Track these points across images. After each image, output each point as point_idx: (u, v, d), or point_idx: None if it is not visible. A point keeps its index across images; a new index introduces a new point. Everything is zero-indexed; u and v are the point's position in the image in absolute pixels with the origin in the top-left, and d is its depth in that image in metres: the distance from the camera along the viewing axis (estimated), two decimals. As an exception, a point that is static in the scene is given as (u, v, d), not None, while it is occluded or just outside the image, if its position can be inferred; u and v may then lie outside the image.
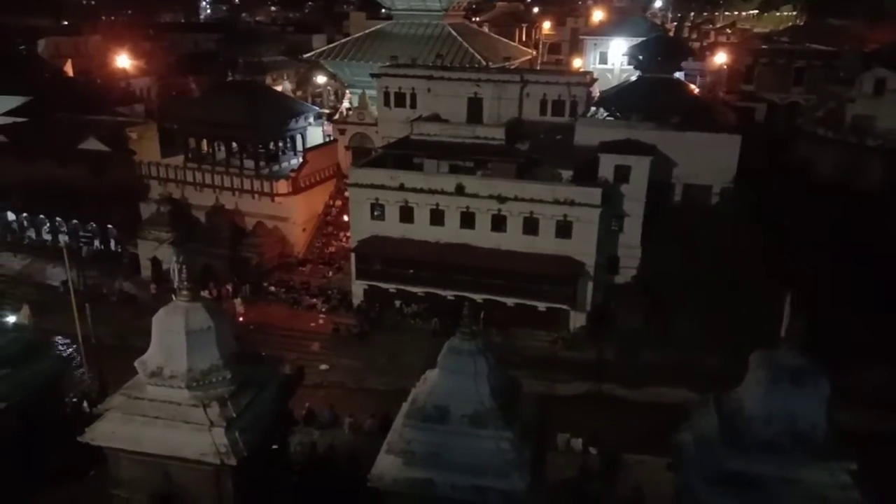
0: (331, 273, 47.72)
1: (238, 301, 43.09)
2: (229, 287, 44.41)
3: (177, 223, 46.49)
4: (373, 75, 52.64)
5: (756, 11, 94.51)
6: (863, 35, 66.00)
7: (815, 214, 36.41)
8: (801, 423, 13.29)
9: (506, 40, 71.35)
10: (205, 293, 39.16)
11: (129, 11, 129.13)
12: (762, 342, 14.20)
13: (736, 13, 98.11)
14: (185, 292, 15.25)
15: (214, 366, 15.09)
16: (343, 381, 37.30)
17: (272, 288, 45.93)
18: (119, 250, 50.17)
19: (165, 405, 14.88)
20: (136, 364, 15.29)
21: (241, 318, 41.23)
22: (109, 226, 50.59)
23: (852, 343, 30.05)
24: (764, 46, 63.59)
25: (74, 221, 51.24)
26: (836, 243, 34.48)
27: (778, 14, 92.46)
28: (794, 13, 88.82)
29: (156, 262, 46.31)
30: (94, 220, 50.59)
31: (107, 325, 37.57)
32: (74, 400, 28.37)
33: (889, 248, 34.55)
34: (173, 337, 14.93)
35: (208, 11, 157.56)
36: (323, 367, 37.79)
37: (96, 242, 51.39)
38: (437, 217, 41.05)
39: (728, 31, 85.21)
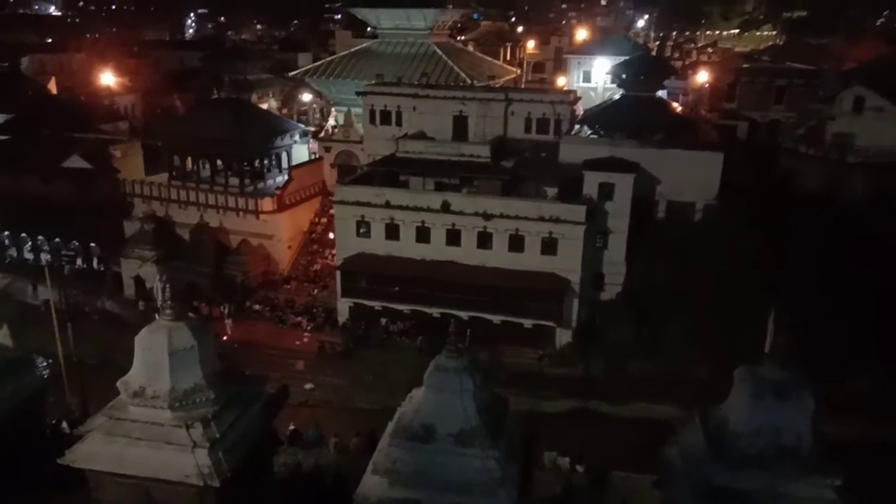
0: (316, 291, 47.51)
1: (229, 322, 42.74)
2: (223, 308, 44.03)
3: (160, 241, 46.18)
4: (358, 93, 52.82)
5: (737, 31, 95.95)
6: (842, 54, 67.24)
7: (799, 229, 36.80)
8: (786, 437, 13.34)
9: (490, 59, 71.91)
10: (194, 312, 39.56)
11: (114, 29, 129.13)
12: (748, 357, 14.27)
13: (717, 32, 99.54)
14: (168, 311, 15.10)
15: (197, 385, 14.91)
16: (328, 399, 37.03)
17: (257, 306, 45.65)
18: (102, 269, 49.72)
19: (148, 426, 14.67)
20: (118, 384, 15.09)
21: (225, 338, 40.87)
22: (92, 244, 50.15)
23: (840, 353, 30.31)
24: (745, 65, 64.51)
25: (57, 239, 50.74)
26: (821, 257, 34.83)
27: (758, 33, 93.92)
28: (775, 32, 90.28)
29: (139, 281, 45.90)
30: (77, 238, 50.14)
31: (89, 345, 37.07)
32: (54, 421, 27.90)
33: (874, 260, 34.95)
34: (156, 356, 14.75)
35: (193, 29, 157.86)
36: (308, 385, 37.51)
37: (79, 261, 50.89)
38: (422, 234, 41.08)
39: (709, 50, 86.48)
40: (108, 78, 77.23)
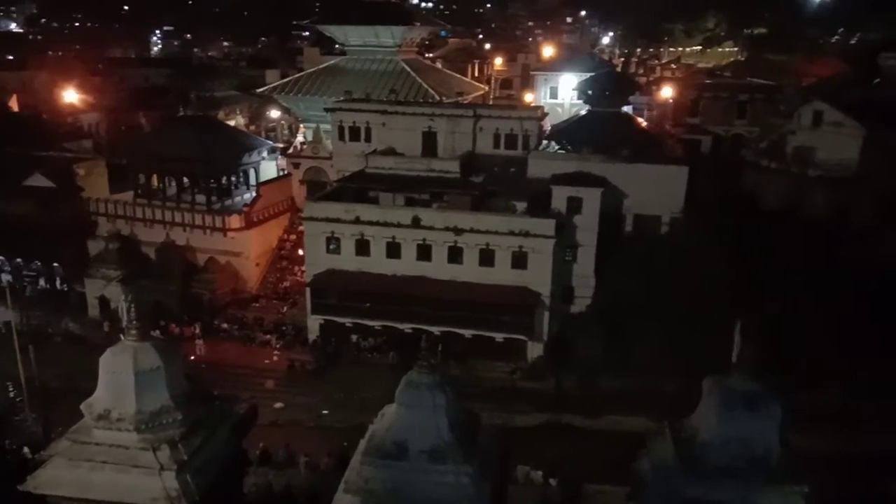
0: (285, 308, 47.06)
1: (200, 342, 42.06)
2: (194, 328, 43.32)
3: (126, 260, 45.44)
4: (327, 109, 52.74)
5: (699, 47, 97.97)
6: (800, 70, 69.12)
7: (763, 242, 37.48)
8: (755, 447, 13.49)
9: (459, 76, 72.43)
10: (165, 332, 38.95)
11: (78, 46, 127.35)
12: (717, 368, 14.44)
13: (680, 49, 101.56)
14: (133, 331, 14.81)
15: (164, 407, 14.62)
16: (299, 418, 36.54)
17: (225, 325, 45.04)
18: (65, 289, 48.65)
19: (113, 449, 14.33)
20: (81, 407, 14.72)
21: (193, 358, 40.23)
22: (55, 264, 49.07)
23: (808, 364, 30.82)
24: (708, 81, 65.92)
25: (18, 260, 49.53)
26: (785, 270, 35.47)
27: (720, 50, 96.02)
28: (736, 49, 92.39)
29: (104, 301, 45.04)
30: (40, 258, 49.03)
31: (52, 367, 36.24)
32: (16, 446, 27.13)
33: (838, 273, 35.67)
34: (121, 378, 14.44)
35: (159, 47, 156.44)
36: (278, 405, 36.98)
37: (41, 281, 49.70)
38: (393, 250, 41.01)
39: (673, 66, 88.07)
40: (71, 96, 76.06)
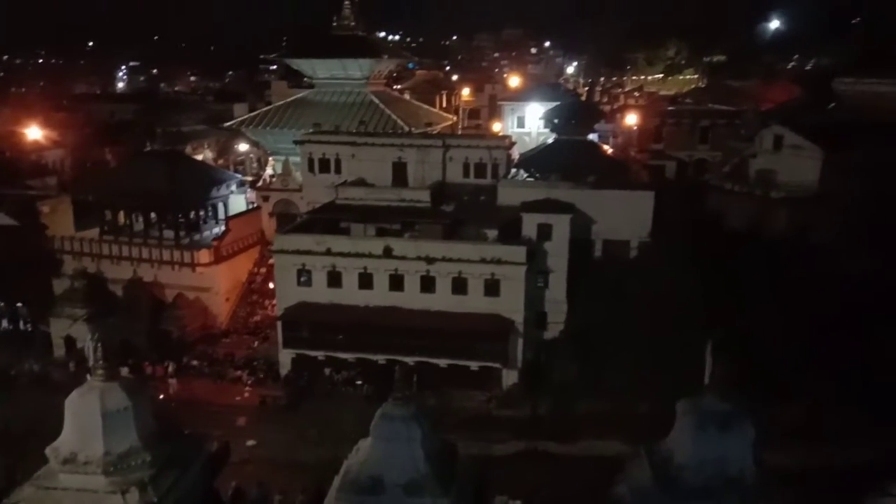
0: (256, 343, 46.46)
1: (173, 381, 41.21)
2: (166, 366, 42.44)
3: (92, 298, 44.49)
4: (296, 142, 52.75)
5: (661, 75, 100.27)
6: (759, 95, 70.96)
7: (729, 262, 38.11)
8: (730, 467, 13.59)
9: (427, 107, 73.14)
10: (137, 371, 38.13)
11: (42, 83, 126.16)
12: (690, 388, 14.57)
13: (643, 77, 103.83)
14: (100, 371, 14.50)
15: (133, 448, 14.27)
16: (272, 456, 35.83)
17: (195, 362, 44.25)
18: (30, 329, 47.48)
19: (80, 494, 13.92)
20: (47, 451, 14.32)
21: (162, 396, 39.43)
22: (19, 304, 47.97)
23: (775, 380, 31.21)
24: (670, 108, 67.36)
25: (-21, 301, 48.37)
26: (752, 288, 36.07)
27: (681, 77, 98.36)
28: (696, 76, 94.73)
29: (70, 341, 44.00)
30: (3, 297, 47.91)
31: (15, 410, 35.22)
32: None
33: (802, 291, 36.37)
34: (88, 420, 14.10)
35: (125, 82, 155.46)
36: (250, 442, 36.29)
37: (4, 322, 48.54)
38: (365, 280, 40.86)
39: (636, 94, 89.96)
40: (35, 132, 74.97)
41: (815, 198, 44.63)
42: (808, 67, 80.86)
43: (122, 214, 51.16)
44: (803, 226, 43.91)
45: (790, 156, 47.20)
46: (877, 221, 38.05)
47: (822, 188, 44.56)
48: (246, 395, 41.48)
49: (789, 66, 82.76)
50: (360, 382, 40.43)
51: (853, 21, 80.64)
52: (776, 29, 79.29)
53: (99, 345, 14.63)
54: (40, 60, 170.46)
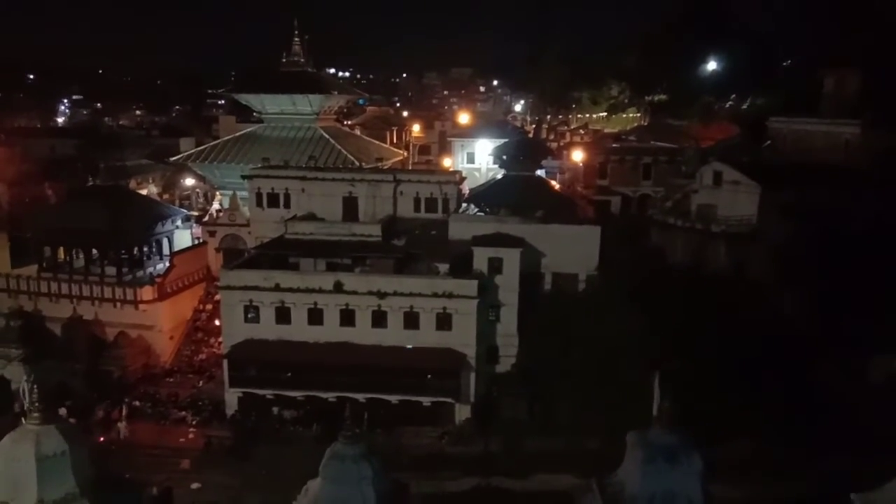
0: (201, 382, 45.23)
1: (123, 425, 39.58)
2: (122, 409, 40.77)
3: (28, 338, 42.71)
4: (245, 177, 52.27)
5: (605, 113, 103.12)
6: (698, 133, 73.63)
7: (672, 297, 39.02)
8: (679, 499, 13.77)
9: (378, 142, 73.55)
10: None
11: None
12: (639, 423, 14.75)
13: (588, 115, 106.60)
14: (35, 414, 13.89)
15: (70, 495, 13.66)
16: (217, 500, 34.63)
17: (136, 402, 42.72)
18: (-42, 372, 45.15)
19: (10, 546, 13.21)
20: (-27, 502, 13.58)
21: (102, 439, 37.88)
22: (-53, 345, 45.64)
23: (721, 417, 31.83)
24: (614, 145, 69.29)
25: None
26: (693, 323, 36.90)
27: (625, 116, 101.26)
28: (639, 114, 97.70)
29: (3, 382, 42.00)
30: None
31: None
32: None
33: (739, 325, 37.39)
34: (21, 466, 13.45)
35: (67, 116, 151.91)
36: (194, 485, 35.02)
37: (-70, 365, 46.07)
38: (315, 316, 40.33)
39: (581, 131, 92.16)
40: (-32, 167, 72.34)
41: (751, 233, 46.31)
42: (744, 107, 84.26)
43: (62, 251, 49.57)
44: (741, 260, 45.43)
45: (729, 191, 48.97)
46: (807, 260, 39.51)
47: (760, 223, 46.27)
48: (190, 436, 40.14)
49: (727, 106, 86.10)
50: (308, 422, 39.54)
51: (784, 63, 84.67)
52: (713, 70, 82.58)
53: (34, 386, 14.05)
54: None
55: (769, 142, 66.02)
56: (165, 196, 75.40)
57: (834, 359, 37.43)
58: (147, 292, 46.58)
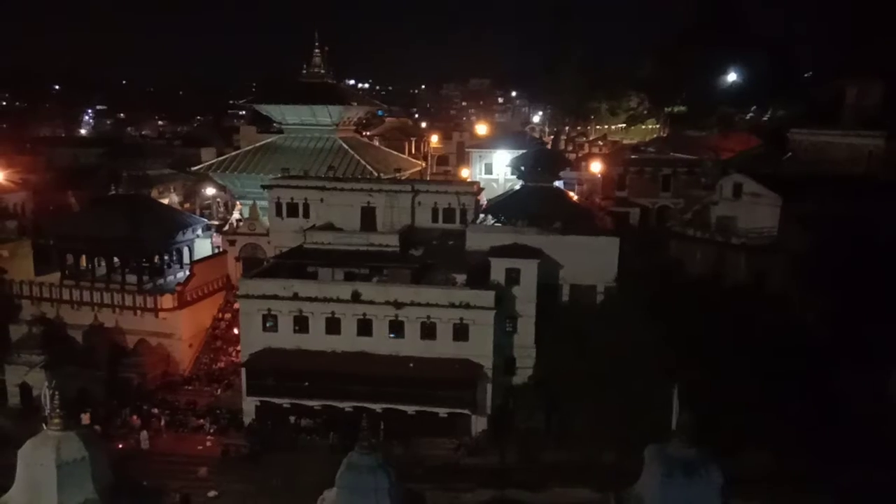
0: (219, 391, 45.49)
1: (144, 434, 39.87)
2: (135, 417, 41.22)
3: (50, 345, 43.26)
4: (265, 186, 52.68)
5: (624, 125, 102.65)
6: (718, 145, 73.07)
7: (691, 309, 38.65)
8: (697, 514, 13.57)
9: (396, 153, 73.87)
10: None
11: (5, 125, 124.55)
12: (657, 435, 14.61)
13: (606, 126, 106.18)
14: (56, 420, 14.05)
15: (89, 500, 13.79)
16: (234, 507, 34.81)
17: (155, 410, 43.04)
18: (-18, 377, 45.78)
19: (30, 551, 13.34)
20: (-5, 506, 13.76)
21: (121, 446, 38.15)
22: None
23: (741, 428, 31.46)
24: (633, 156, 68.94)
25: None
26: (713, 335, 36.54)
27: (644, 127, 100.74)
28: (658, 126, 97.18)
29: (25, 389, 42.54)
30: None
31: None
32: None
33: (759, 337, 36.97)
34: (42, 471, 13.60)
35: (91, 126, 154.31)
36: (211, 493, 35.19)
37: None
38: (332, 326, 40.46)
39: (600, 143, 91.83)
40: (-6, 175, 73.60)
41: (772, 245, 45.81)
42: (764, 118, 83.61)
43: (84, 259, 50.21)
44: (761, 273, 44.93)
45: (750, 203, 48.52)
46: (828, 271, 39.03)
47: (781, 235, 45.78)
48: (208, 444, 40.36)
49: (747, 117, 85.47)
50: (325, 431, 39.58)
51: (805, 74, 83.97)
52: (733, 81, 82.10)
53: (56, 393, 14.22)
54: (3, 103, 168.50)
55: (790, 153, 65.37)
56: (186, 205, 76.12)
57: (854, 371, 36.86)
58: (167, 300, 47.01)
